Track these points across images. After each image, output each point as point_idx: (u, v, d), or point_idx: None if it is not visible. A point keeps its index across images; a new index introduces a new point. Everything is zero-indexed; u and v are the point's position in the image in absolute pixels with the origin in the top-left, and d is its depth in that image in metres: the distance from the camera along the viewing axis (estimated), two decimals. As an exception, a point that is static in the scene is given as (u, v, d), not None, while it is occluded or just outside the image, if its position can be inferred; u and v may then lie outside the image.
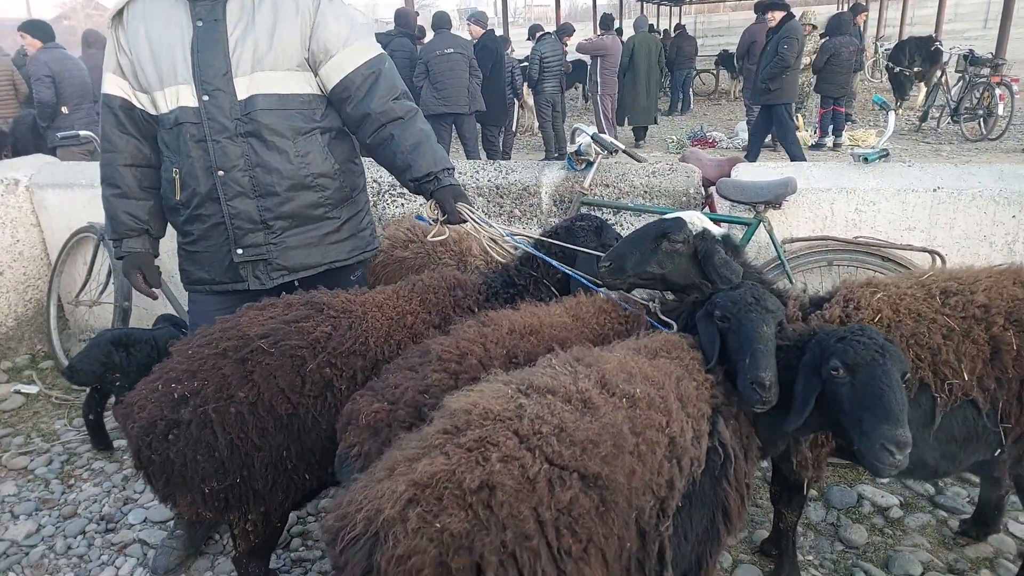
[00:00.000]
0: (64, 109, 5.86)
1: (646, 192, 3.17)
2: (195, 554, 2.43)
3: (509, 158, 9.30)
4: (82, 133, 3.90)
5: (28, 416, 3.45)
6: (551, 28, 11.80)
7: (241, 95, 1.98)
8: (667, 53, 14.76)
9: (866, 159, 2.96)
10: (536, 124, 11.26)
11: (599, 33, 10.89)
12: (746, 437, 1.48)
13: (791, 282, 2.75)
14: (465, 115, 7.60)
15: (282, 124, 2.02)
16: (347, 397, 1.73)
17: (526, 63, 10.33)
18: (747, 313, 1.50)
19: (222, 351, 1.72)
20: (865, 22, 13.83)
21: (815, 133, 10.13)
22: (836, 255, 2.79)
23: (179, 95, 1.98)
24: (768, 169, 3.09)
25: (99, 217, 3.84)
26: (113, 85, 2.08)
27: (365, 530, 1.08)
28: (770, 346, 1.46)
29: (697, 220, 1.81)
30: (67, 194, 3.99)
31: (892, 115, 3.24)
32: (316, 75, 2.07)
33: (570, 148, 3.09)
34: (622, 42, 10.70)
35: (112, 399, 3.04)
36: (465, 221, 2.07)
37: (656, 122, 11.90)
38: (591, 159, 3.07)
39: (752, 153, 8.44)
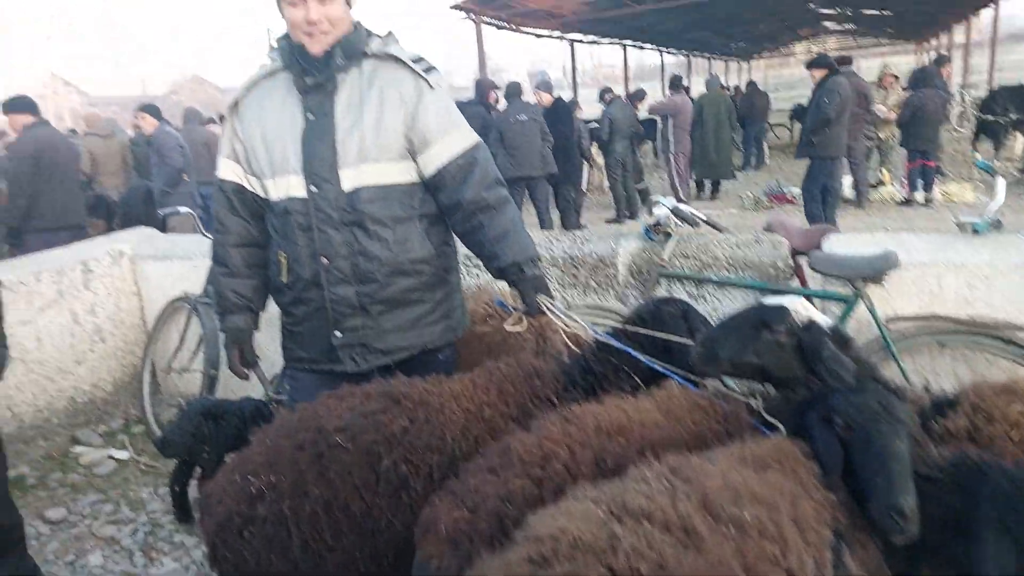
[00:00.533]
0: (185, 176, 6.65)
1: (730, 264, 3.05)
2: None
3: (580, 216, 9.31)
4: (182, 210, 4.15)
5: (119, 482, 3.56)
6: (619, 87, 11.98)
7: (346, 187, 2.03)
8: (739, 109, 14.70)
9: (976, 229, 2.75)
10: (606, 183, 11.32)
11: (669, 94, 10.96)
12: (876, 570, 1.31)
13: (899, 365, 2.55)
14: (538, 178, 7.71)
15: (383, 213, 2.06)
16: (423, 497, 1.66)
17: (595, 124, 10.45)
18: (876, 424, 1.34)
19: (299, 444, 1.70)
20: (950, 73, 13.34)
21: (903, 188, 9.68)
22: (948, 336, 2.57)
23: (289, 185, 2.06)
24: (864, 240, 2.92)
25: (194, 287, 4.05)
26: (227, 170, 2.19)
27: None
28: (907, 465, 1.29)
29: (802, 308, 1.68)
30: (165, 265, 4.21)
31: (1001, 181, 3.02)
32: (415, 162, 2.11)
33: (648, 220, 3.02)
34: (692, 100, 10.74)
35: (198, 470, 3.10)
36: (544, 314, 2.03)
37: (734, 176, 11.80)
38: (670, 231, 2.99)
39: (827, 214, 8.16)
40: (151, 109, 6.88)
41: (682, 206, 2.88)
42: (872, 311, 2.65)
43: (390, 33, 2.13)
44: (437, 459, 1.75)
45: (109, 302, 4.19)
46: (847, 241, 2.98)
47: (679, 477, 1.31)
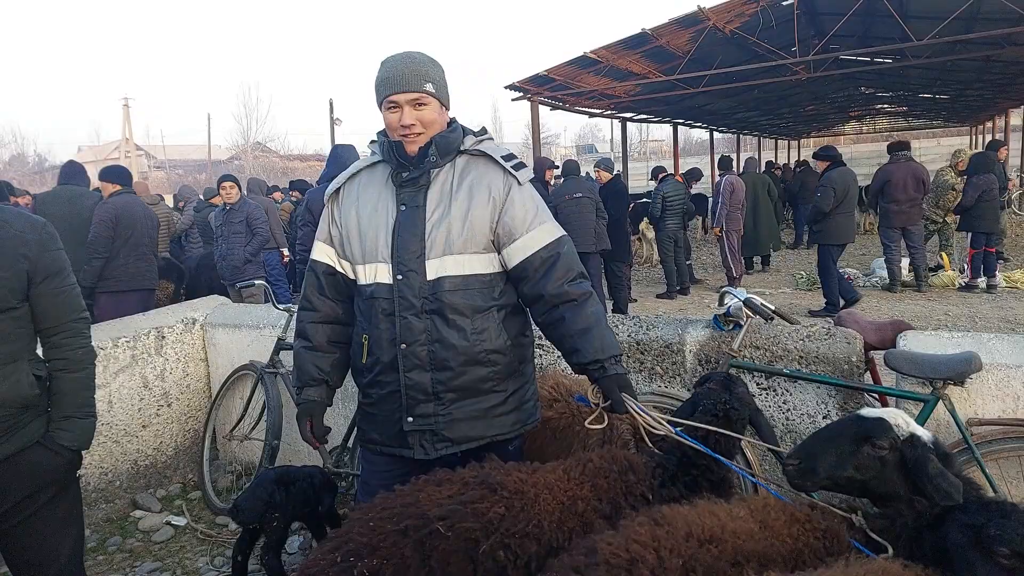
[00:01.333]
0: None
1: (801, 358, 2.99)
2: None
3: (630, 291, 9.32)
4: (257, 282, 4.33)
5: (176, 550, 3.58)
6: (667, 161, 12.26)
7: (430, 276, 2.10)
8: (790, 187, 14.75)
9: (1063, 333, 2.65)
10: (655, 256, 11.39)
11: (720, 173, 11.10)
12: None
13: (984, 473, 2.43)
14: (591, 254, 7.80)
15: (463, 303, 2.12)
16: None
17: (645, 199, 10.59)
18: None
19: (403, 529, 1.71)
20: (1007, 156, 13.18)
21: (964, 273, 9.43)
22: (1040, 444, 2.45)
23: (377, 272, 2.15)
24: (942, 340, 2.85)
25: (261, 356, 4.16)
26: (321, 252, 2.30)
27: None
28: None
29: (902, 422, 1.64)
30: (234, 334, 4.35)
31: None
32: (499, 254, 2.17)
33: (718, 310, 3.01)
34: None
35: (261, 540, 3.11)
36: (627, 412, 2.03)
37: (778, 248, 11.86)
38: (741, 321, 2.97)
39: (839, 293, 8.18)
40: (233, 179, 7.41)
41: (754, 297, 2.87)
42: (954, 414, 2.55)
43: (484, 129, 2.25)
44: (535, 549, 1.74)
45: (178, 368, 4.34)
46: (924, 340, 2.91)
47: None
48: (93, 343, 3.51)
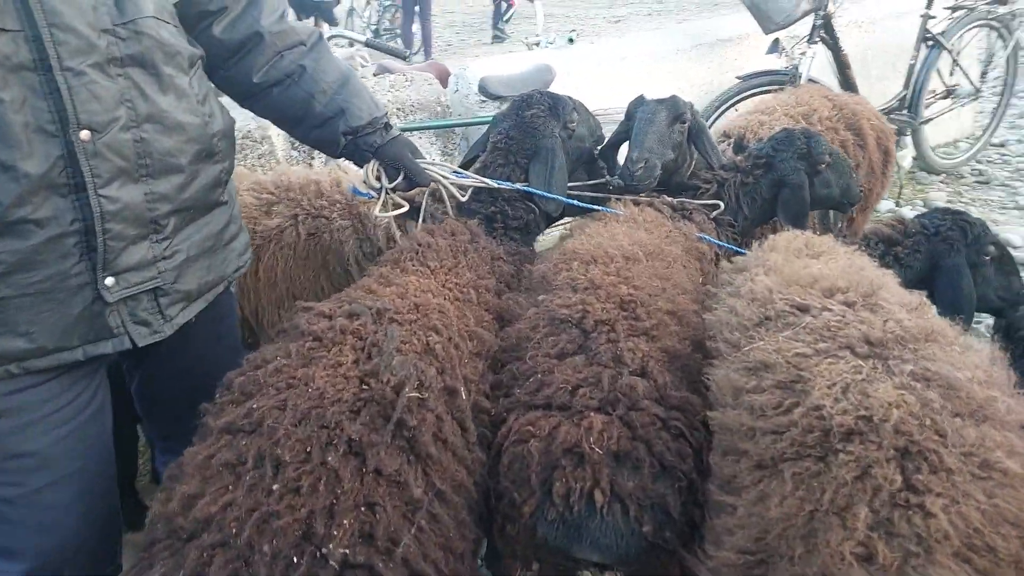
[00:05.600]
0: None
1: (399, 108, 2.80)
2: None
3: None
4: None
5: None
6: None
7: None
8: None
9: (571, 40, 3.23)
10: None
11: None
12: None
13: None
14: None
15: (178, 43, 1.22)
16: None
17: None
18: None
19: (349, 443, 1.02)
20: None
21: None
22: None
23: None
24: (505, 61, 3.09)
25: None
26: None
27: None
28: None
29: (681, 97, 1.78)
30: None
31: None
32: None
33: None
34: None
35: None
36: (431, 182, 1.58)
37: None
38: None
39: None
40: None
41: (376, 40, 2.41)
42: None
43: None
44: (483, 373, 1.33)
45: None
46: (495, 64, 3.09)
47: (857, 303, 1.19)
48: None
